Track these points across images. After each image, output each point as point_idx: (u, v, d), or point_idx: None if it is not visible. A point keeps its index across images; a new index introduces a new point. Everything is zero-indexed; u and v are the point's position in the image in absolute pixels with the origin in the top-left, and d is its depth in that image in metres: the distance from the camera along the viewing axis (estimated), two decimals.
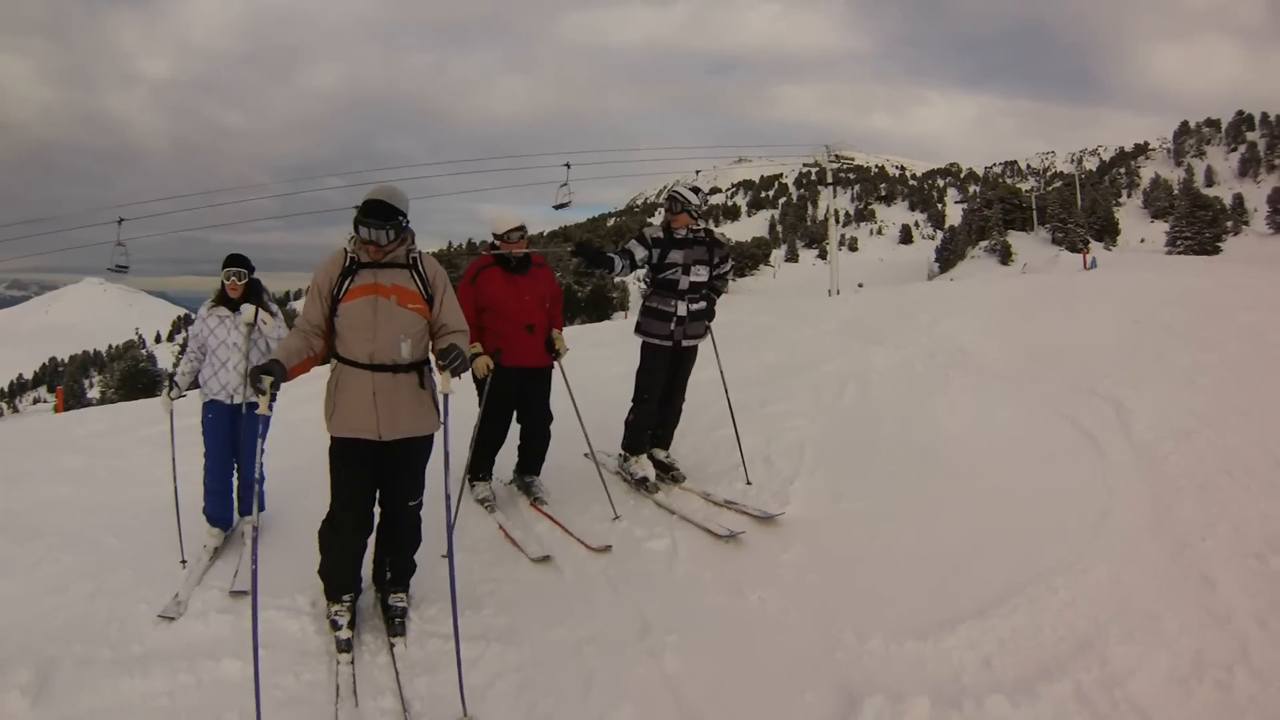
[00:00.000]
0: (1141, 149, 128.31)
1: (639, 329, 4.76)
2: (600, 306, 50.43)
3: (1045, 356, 7.08)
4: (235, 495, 4.77)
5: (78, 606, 3.91)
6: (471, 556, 3.82)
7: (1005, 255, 71.92)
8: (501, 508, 4.69)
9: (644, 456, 4.88)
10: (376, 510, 3.56)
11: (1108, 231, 79.67)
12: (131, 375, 54.00)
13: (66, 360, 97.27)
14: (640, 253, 4.71)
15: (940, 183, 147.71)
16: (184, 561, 4.24)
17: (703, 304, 4.78)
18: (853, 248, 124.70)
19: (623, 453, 4.93)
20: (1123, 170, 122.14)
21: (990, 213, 79.25)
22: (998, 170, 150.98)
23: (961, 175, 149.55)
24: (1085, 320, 8.88)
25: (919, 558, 3.67)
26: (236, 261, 4.62)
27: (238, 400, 4.53)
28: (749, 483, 4.72)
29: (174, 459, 4.71)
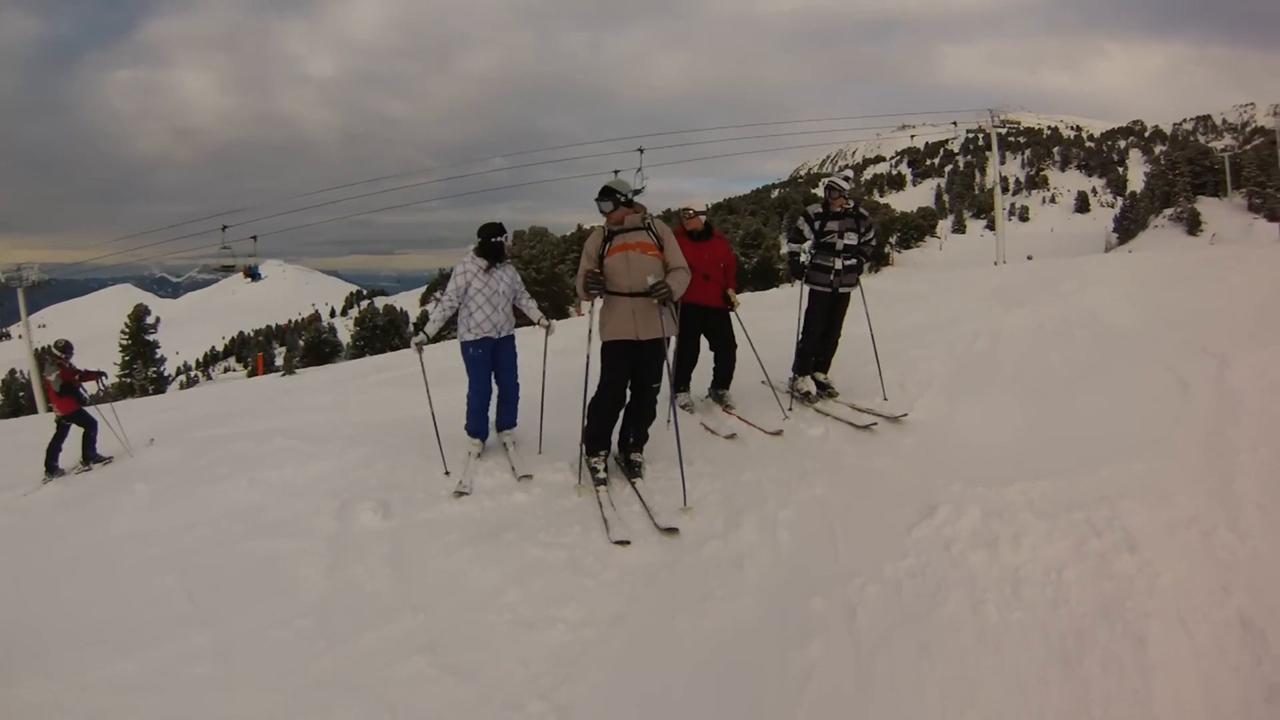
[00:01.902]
0: None
1: (807, 279, 6.39)
2: (766, 277, 51.88)
3: (1175, 322, 7.62)
4: (490, 415, 6.26)
5: (384, 475, 5.90)
6: (682, 438, 5.37)
7: (1193, 224, 65.95)
8: (699, 411, 6.42)
9: (808, 377, 6.50)
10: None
11: None
12: (314, 346, 59.15)
13: (252, 334, 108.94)
14: (807, 231, 6.37)
15: (1121, 144, 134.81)
16: (447, 473, 5.68)
17: (854, 260, 6.33)
18: (1023, 218, 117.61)
19: (792, 374, 6.57)
20: None
21: (1176, 176, 72.66)
22: (1188, 127, 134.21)
23: (1146, 134, 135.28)
24: (1234, 290, 9.13)
25: (1004, 447, 5.01)
26: (504, 229, 6.12)
27: (503, 334, 6.08)
28: (885, 399, 6.17)
29: (428, 389, 6.20)
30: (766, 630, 3.56)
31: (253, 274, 28.76)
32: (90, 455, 9.53)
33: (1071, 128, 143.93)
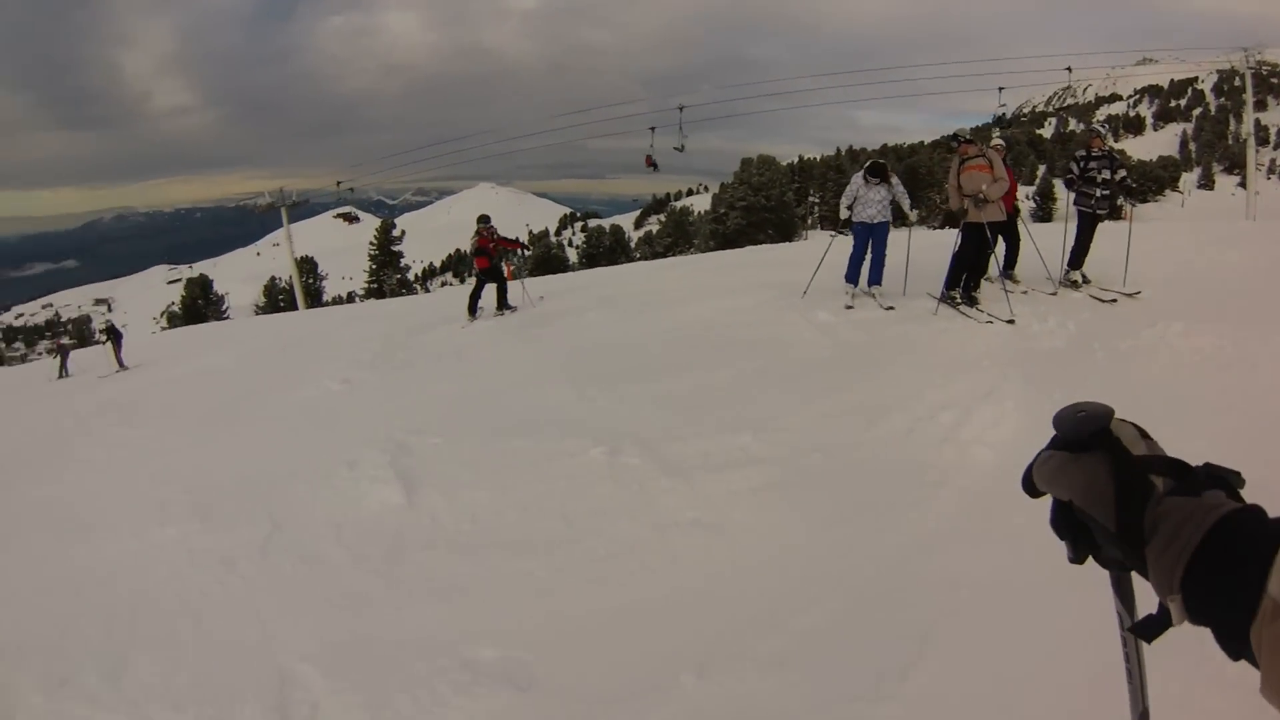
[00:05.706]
0: None
1: (1076, 203, 10.00)
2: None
3: None
4: (860, 272, 10.29)
5: (786, 307, 10.15)
6: (989, 292, 9.59)
7: None
8: (998, 283, 10.14)
9: (1076, 270, 10.10)
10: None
11: None
12: (545, 260, 64.48)
13: (468, 252, 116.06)
14: (1075, 169, 9.95)
15: None
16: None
17: (1108, 191, 9.86)
18: None
19: (1066, 268, 10.20)
20: None
21: None
22: None
23: None
24: None
25: (1193, 306, 8.33)
26: (883, 161, 10.20)
27: (876, 221, 10.08)
28: (1124, 285, 9.67)
29: (821, 259, 10.73)
30: (1074, 346, 7.73)
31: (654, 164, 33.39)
32: (503, 304, 12.61)
33: None
